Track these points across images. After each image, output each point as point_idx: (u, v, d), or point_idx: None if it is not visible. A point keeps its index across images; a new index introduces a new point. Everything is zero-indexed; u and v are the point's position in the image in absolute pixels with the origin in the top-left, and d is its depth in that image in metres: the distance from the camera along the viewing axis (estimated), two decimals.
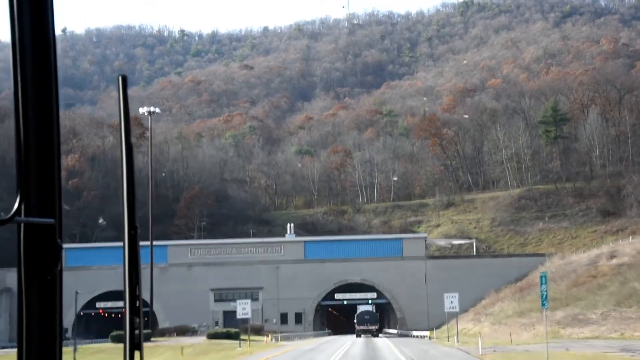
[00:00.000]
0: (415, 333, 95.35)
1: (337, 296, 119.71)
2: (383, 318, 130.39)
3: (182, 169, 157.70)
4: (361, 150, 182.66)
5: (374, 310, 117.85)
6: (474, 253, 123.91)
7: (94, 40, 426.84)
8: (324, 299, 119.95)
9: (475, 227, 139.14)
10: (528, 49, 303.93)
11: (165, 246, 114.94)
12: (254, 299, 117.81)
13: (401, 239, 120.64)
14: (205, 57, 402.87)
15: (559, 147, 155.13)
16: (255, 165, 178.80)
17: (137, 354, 3.07)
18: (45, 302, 2.63)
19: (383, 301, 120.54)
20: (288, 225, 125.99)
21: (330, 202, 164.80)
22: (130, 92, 3.28)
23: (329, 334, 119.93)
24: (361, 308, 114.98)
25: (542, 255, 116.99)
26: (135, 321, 3.07)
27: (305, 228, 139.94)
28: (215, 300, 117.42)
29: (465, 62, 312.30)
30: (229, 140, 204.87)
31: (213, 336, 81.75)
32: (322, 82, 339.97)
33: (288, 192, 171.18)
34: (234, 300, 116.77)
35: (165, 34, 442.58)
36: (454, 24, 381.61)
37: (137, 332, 3.06)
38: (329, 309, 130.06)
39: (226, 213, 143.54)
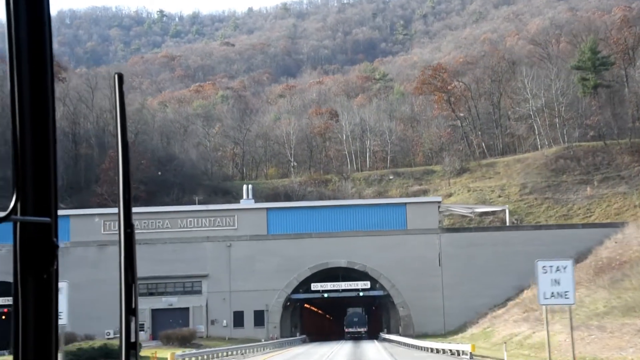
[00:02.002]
0: (434, 345, 55.98)
1: (315, 287, 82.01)
2: (380, 316, 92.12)
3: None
4: (350, 113, 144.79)
5: (363, 313, 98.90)
6: (507, 224, 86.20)
7: (67, 22, 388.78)
8: (296, 290, 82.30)
9: (499, 196, 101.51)
10: (533, 20, 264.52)
11: (66, 217, 77.16)
12: (195, 291, 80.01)
13: (405, 204, 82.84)
14: (185, 37, 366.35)
15: (599, 98, 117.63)
16: (221, 130, 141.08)
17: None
18: (41, 300, 2.55)
19: (380, 293, 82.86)
20: (244, 187, 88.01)
21: (311, 170, 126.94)
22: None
23: (303, 341, 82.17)
24: (350, 311, 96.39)
25: (609, 225, 79.46)
26: (131, 320, 3.04)
27: (275, 200, 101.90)
28: (141, 294, 79.15)
29: (464, 36, 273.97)
30: (197, 110, 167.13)
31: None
32: (309, 59, 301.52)
33: (259, 159, 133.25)
34: (167, 294, 79.30)
35: (144, 15, 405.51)
36: (450, 0, 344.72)
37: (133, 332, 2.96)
38: (305, 305, 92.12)
39: (171, 180, 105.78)
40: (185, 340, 61.39)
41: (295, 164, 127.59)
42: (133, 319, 3.08)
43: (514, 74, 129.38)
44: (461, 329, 77.03)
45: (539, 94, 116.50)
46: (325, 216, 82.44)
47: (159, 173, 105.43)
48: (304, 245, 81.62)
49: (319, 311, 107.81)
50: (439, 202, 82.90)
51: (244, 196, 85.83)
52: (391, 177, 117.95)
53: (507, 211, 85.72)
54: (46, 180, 2.56)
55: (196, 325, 79.59)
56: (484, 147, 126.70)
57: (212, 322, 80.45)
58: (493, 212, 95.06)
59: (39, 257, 2.52)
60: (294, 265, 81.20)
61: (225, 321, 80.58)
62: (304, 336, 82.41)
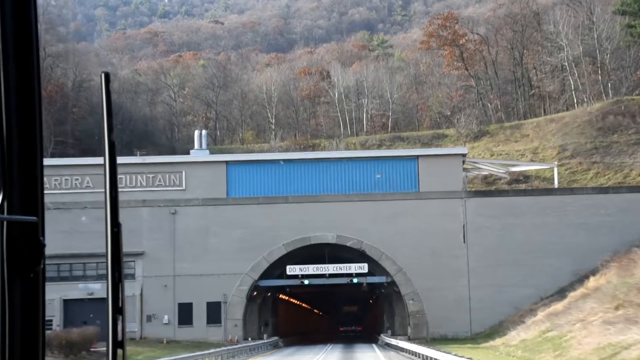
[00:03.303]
0: None
1: (291, 270, 58.06)
2: (381, 311, 68.02)
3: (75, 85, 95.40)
4: (345, 75, 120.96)
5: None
6: (556, 186, 62.17)
7: (53, 3, 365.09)
8: (266, 275, 58.44)
9: (532, 161, 77.60)
10: None
11: None
12: (126, 275, 56.11)
13: (417, 157, 58.73)
14: (173, 18, 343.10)
15: None
16: (192, 91, 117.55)
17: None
18: (28, 300, 2.51)
19: (381, 279, 58.97)
20: (196, 133, 63.72)
21: (297, 134, 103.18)
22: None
23: (275, 345, 58.06)
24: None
25: None
26: (118, 319, 2.99)
27: None
28: (49, 279, 55.08)
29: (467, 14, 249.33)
30: (174, 79, 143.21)
31: None
32: (302, 39, 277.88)
33: (235, 123, 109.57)
34: (85, 279, 56.12)
35: None
36: None
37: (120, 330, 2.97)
38: (279, 296, 68.02)
39: (115, 136, 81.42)
40: (75, 348, 37.36)
41: (276, 127, 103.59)
42: (120, 317, 3.02)
43: (539, 25, 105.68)
44: (496, 330, 53.32)
45: (575, 40, 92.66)
46: (307, 174, 58.60)
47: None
48: (277, 214, 57.92)
49: (300, 304, 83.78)
50: (464, 155, 59.04)
51: (196, 144, 61.84)
52: (389, 143, 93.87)
53: (555, 170, 61.75)
54: (33, 179, 2.52)
55: (126, 323, 55.77)
56: (503, 110, 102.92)
57: (149, 318, 56.71)
58: (545, 168, 71.31)
59: (25, 256, 2.46)
60: (264, 240, 57.50)
61: (166, 317, 56.86)
62: (276, 338, 58.55)
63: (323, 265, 57.96)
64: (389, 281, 58.13)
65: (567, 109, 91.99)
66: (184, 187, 57.66)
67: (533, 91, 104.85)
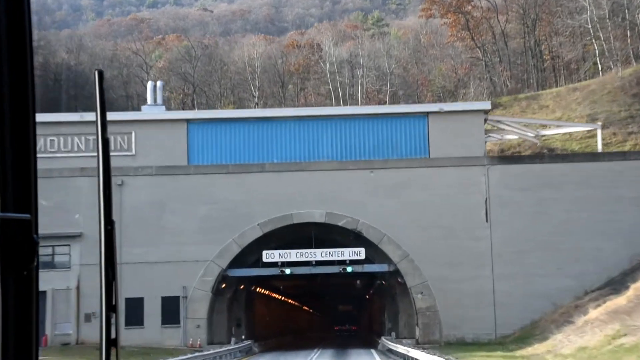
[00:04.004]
0: None
1: (269, 256, 45.47)
2: (382, 308, 55.23)
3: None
4: (338, 49, 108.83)
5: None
6: (599, 150, 49.37)
7: None
8: (237, 263, 45.84)
9: (555, 133, 65.05)
10: None
11: None
12: (59, 264, 44.03)
13: (426, 114, 46.03)
14: (162, 8, 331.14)
15: None
16: (168, 64, 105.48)
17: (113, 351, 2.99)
18: (21, 298, 2.46)
19: (382, 268, 46.34)
20: (149, 85, 50.65)
21: (283, 106, 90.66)
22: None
23: (247, 352, 45.13)
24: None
25: None
26: (112, 317, 3.01)
27: None
28: None
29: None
30: (154, 61, 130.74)
31: None
32: (294, 27, 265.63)
33: (214, 97, 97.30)
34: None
35: None
36: None
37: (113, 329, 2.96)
38: (256, 289, 55.01)
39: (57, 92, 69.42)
40: None
41: (259, 102, 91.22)
42: (114, 315, 3.03)
43: None
44: (530, 332, 41.03)
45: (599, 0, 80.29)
46: (289, 136, 46.09)
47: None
48: (251, 185, 45.52)
49: (284, 299, 71.08)
50: (486, 112, 46.45)
51: (149, 99, 49.06)
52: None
53: (599, 132, 49.13)
54: (26, 177, 2.49)
55: (57, 323, 43.61)
56: (514, 83, 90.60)
57: (88, 318, 44.11)
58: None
59: (19, 253, 2.41)
60: (234, 219, 45.08)
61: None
62: (249, 342, 45.84)
63: (309, 251, 45.47)
64: (391, 270, 45.70)
65: (587, 79, 79.71)
66: (133, 151, 45.07)
67: (547, 62, 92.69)
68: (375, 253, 46.17)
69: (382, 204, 45.03)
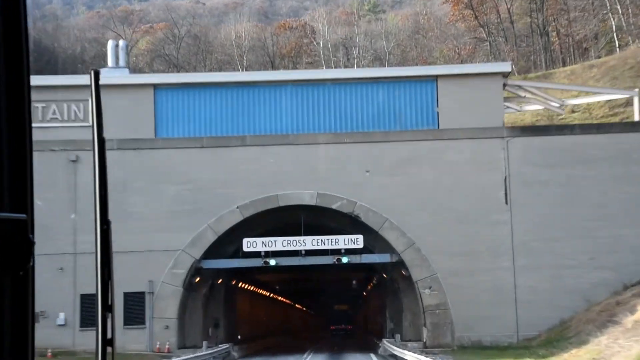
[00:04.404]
0: None
1: (250, 245, 38.39)
2: (382, 306, 47.88)
3: None
4: (332, 32, 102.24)
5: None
6: (637, 119, 42.23)
7: None
8: (213, 253, 38.79)
9: (573, 112, 58.02)
10: None
11: None
12: None
13: (435, 77, 38.95)
14: (154, 2, 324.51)
15: None
16: (150, 45, 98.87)
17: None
18: (17, 298, 2.42)
19: (383, 259, 39.16)
20: (110, 44, 43.20)
21: None
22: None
23: (224, 357, 38.08)
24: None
25: None
26: (108, 317, 3.05)
27: None
28: None
29: None
30: (141, 50, 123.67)
31: None
32: (288, 17, 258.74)
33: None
34: None
35: None
36: None
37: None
38: (238, 284, 47.63)
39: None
40: None
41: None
42: (109, 315, 3.06)
43: None
44: (562, 334, 34.09)
45: None
46: (275, 104, 39.00)
47: None
48: (229, 162, 38.49)
49: (269, 295, 63.81)
50: (505, 76, 39.32)
51: (109, 60, 41.76)
52: None
53: (636, 100, 42.08)
54: (22, 177, 2.47)
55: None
56: (521, 64, 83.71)
57: (37, 317, 36.93)
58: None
59: (15, 253, 2.38)
60: (209, 201, 38.08)
61: (62, 315, 37.36)
62: (227, 346, 38.54)
63: (297, 238, 38.37)
64: (394, 261, 38.65)
65: (602, 57, 72.80)
66: (90, 122, 37.93)
67: (556, 42, 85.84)
68: (375, 241, 39.17)
69: (383, 184, 38.04)
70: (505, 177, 37.65)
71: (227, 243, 39.44)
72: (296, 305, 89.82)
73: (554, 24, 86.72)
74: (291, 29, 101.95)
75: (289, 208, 38.67)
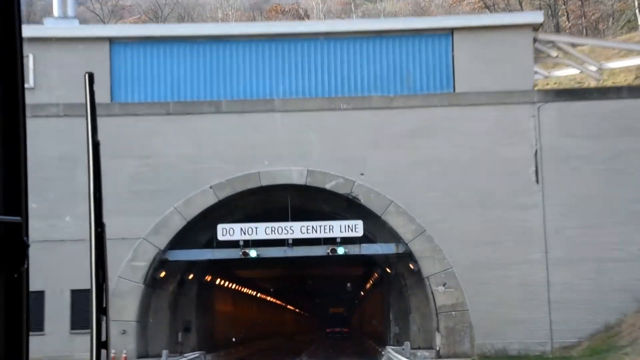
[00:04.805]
0: None
1: (226, 233, 31.52)
2: (387, 303, 40.54)
3: None
4: (328, 12, 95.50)
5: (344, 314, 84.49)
6: None
7: None
8: (182, 241, 31.99)
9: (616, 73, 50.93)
10: None
11: None
12: None
13: (451, 30, 32.21)
14: None
15: None
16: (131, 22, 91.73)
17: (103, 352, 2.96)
18: (12, 301, 2.42)
19: (387, 249, 32.26)
20: None
21: None
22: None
23: None
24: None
25: None
26: (102, 319, 3.05)
27: None
28: None
29: None
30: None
31: None
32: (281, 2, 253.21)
33: None
34: None
35: None
36: None
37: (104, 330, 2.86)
38: (213, 281, 40.47)
39: None
40: None
41: None
42: (104, 318, 3.06)
43: None
44: (610, 343, 27.35)
45: None
46: (256, 62, 32.05)
47: None
48: (201, 132, 31.60)
49: (253, 294, 56.58)
50: (536, 29, 32.39)
51: (55, 9, 34.55)
52: None
53: None
54: (16, 179, 2.45)
55: None
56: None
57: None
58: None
59: (9, 256, 2.38)
60: (177, 179, 31.20)
61: None
62: (198, 355, 31.46)
63: (283, 225, 31.43)
64: (400, 252, 31.73)
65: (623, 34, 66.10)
66: (31, 84, 30.85)
67: (567, 25, 79.12)
68: (377, 228, 32.33)
69: (387, 159, 31.18)
70: (536, 150, 30.79)
71: (198, 230, 32.54)
72: (286, 306, 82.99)
73: (563, 7, 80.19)
74: (283, 12, 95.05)
75: (273, 188, 31.80)
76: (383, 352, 33.62)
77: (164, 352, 28.51)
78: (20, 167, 2.41)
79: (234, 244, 31.74)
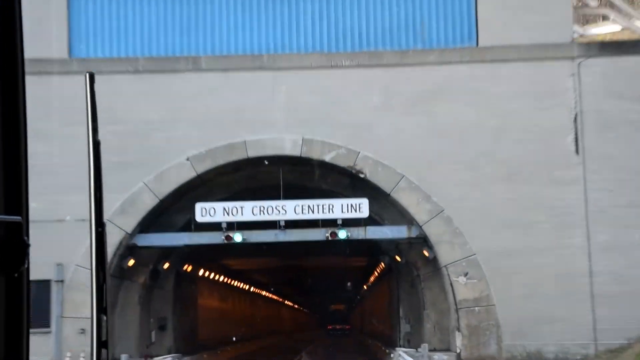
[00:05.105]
0: None
1: (205, 213, 26.44)
2: (397, 297, 35.11)
3: None
4: None
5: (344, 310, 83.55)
6: None
7: None
8: (152, 222, 26.91)
9: None
10: None
11: None
12: None
13: None
14: None
15: None
16: None
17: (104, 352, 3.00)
18: (12, 300, 2.39)
19: (397, 233, 27.12)
20: None
21: None
22: None
23: None
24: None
25: None
26: (102, 319, 3.05)
27: None
28: None
29: None
30: None
31: None
32: None
33: None
34: None
35: None
36: None
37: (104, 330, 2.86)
38: (191, 270, 35.04)
39: None
40: None
41: None
42: (104, 318, 3.04)
43: None
44: None
45: None
46: (241, 10, 26.91)
47: None
48: (176, 93, 26.46)
49: (242, 287, 51.24)
50: None
51: None
52: None
53: None
54: (17, 179, 2.43)
55: None
56: None
57: None
58: None
59: (9, 255, 2.35)
60: (147, 150, 26.11)
61: None
62: (170, 358, 26.50)
63: (275, 204, 26.27)
64: (413, 236, 26.58)
65: None
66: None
67: None
68: (385, 209, 27.26)
69: (398, 126, 26.11)
70: (576, 115, 25.67)
71: (174, 211, 27.53)
72: (283, 301, 77.96)
73: None
74: None
75: (262, 161, 26.69)
76: (392, 355, 28.48)
77: (123, 357, 23.35)
78: (20, 166, 2.37)
79: (216, 227, 26.63)
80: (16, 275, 2.36)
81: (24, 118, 2.41)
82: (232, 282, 45.26)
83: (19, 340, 2.38)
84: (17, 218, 2.35)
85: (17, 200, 2.40)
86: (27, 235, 2.39)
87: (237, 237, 26.21)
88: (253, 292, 56.05)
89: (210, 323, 38.57)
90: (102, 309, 3.07)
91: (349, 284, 55.80)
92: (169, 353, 28.33)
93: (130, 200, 26.13)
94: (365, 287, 56.02)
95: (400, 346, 29.49)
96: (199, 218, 26.15)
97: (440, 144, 26.03)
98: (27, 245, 2.37)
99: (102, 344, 3.08)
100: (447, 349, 26.44)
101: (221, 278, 40.95)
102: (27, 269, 2.41)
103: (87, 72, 3.14)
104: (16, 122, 2.38)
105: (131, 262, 26.83)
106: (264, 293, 61.84)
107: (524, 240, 25.23)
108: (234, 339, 41.78)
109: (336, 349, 46.08)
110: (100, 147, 3.18)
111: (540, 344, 24.84)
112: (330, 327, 76.89)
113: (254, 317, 57.56)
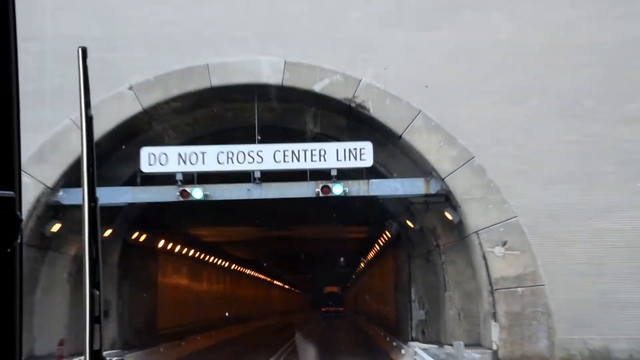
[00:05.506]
0: None
1: (154, 160, 19.67)
2: (408, 276, 27.82)
3: None
4: None
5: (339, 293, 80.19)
6: None
7: None
8: (80, 176, 20.42)
9: None
10: None
11: None
12: None
13: None
14: None
15: None
16: None
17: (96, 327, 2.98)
18: (5, 275, 2.37)
19: (413, 190, 20.39)
20: None
21: None
22: None
23: None
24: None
25: None
26: (96, 294, 3.00)
27: None
28: None
29: None
30: None
31: None
32: None
33: None
34: None
35: None
36: None
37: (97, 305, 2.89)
38: (143, 239, 27.61)
39: None
40: None
41: None
42: (97, 293, 2.98)
43: None
44: None
45: None
46: None
47: None
48: (113, 2, 19.58)
49: (221, 264, 44.10)
50: None
51: None
52: None
53: None
54: (9, 154, 2.42)
55: None
56: None
57: None
58: None
59: (3, 230, 2.35)
60: (74, 75, 19.14)
61: None
62: (118, 355, 20.10)
63: (247, 149, 19.47)
64: (432, 193, 19.76)
65: None
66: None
67: None
68: (393, 158, 20.55)
69: (412, 45, 19.31)
70: None
71: (115, 160, 20.71)
72: (272, 281, 71.44)
73: None
74: None
75: (231, 91, 19.89)
76: (403, 351, 21.73)
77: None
78: (13, 141, 2.37)
79: (170, 181, 19.84)
80: (9, 250, 2.31)
81: (16, 90, 2.32)
82: (207, 258, 38.49)
83: (12, 313, 2.31)
84: (10, 193, 2.32)
85: (10, 176, 2.35)
86: (20, 210, 2.35)
87: (197, 192, 19.38)
88: (235, 270, 49.32)
89: (177, 307, 31.85)
90: (94, 284, 2.91)
91: (341, 259, 49.65)
92: (113, 346, 21.59)
93: (52, 142, 19.31)
94: (365, 263, 48.99)
95: (412, 339, 22.71)
96: (145, 167, 19.32)
97: (469, 70, 19.24)
98: (20, 220, 2.33)
99: (94, 319, 2.91)
100: (477, 344, 19.80)
101: (191, 252, 34.17)
102: (21, 244, 2.35)
103: (80, 47, 2.93)
104: (8, 96, 2.31)
105: (56, 227, 20.03)
106: (247, 271, 55.16)
107: (584, 198, 18.52)
108: (208, 325, 35.15)
109: (333, 340, 39.18)
110: (93, 123, 2.94)
111: (607, 339, 18.17)
112: (324, 309, 73.98)
113: (236, 300, 50.80)
